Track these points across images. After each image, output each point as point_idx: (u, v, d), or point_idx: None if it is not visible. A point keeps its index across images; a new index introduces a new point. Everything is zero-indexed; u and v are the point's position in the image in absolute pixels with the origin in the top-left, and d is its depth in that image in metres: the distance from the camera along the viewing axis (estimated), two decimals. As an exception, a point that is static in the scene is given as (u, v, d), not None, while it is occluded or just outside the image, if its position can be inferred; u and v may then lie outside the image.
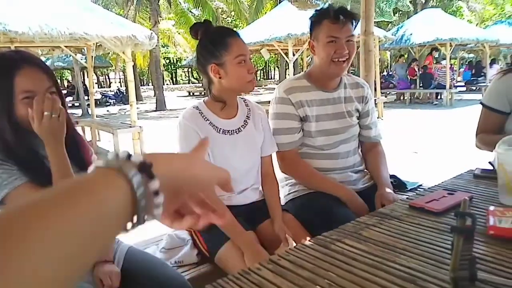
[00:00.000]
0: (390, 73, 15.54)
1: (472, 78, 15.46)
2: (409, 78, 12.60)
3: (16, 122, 1.06)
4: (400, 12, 19.94)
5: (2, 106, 1.04)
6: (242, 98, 1.58)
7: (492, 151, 1.44)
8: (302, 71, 1.87)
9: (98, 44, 6.66)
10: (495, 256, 0.80)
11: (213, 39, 1.39)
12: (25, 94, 1.04)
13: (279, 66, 25.30)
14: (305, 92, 1.64)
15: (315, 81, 1.66)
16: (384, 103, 9.81)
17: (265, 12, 16.29)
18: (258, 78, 41.07)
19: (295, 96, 1.63)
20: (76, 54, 8.60)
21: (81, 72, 16.75)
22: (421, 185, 2.01)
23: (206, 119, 1.44)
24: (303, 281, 0.76)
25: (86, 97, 13.63)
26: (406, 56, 14.62)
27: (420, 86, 12.35)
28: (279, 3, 12.24)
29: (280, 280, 0.76)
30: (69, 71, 18.99)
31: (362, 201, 1.56)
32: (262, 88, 29.37)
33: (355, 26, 1.60)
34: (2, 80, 1.03)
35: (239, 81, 1.39)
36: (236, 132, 1.48)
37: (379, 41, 9.99)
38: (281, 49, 9.82)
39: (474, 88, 14.99)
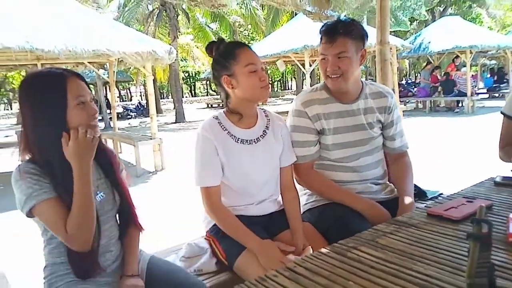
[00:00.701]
0: (409, 81, 15.33)
1: (494, 85, 15.10)
2: (431, 86, 12.40)
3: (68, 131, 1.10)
4: (418, 21, 19.75)
5: (57, 114, 1.08)
6: (262, 109, 1.60)
7: None
8: (319, 81, 1.85)
9: (119, 60, 6.87)
10: (515, 263, 0.79)
11: (223, 52, 1.45)
12: (80, 98, 1.10)
13: (296, 77, 25.37)
14: (323, 105, 1.63)
15: (333, 92, 1.65)
16: (403, 111, 9.68)
17: (281, 25, 16.46)
18: (276, 89, 41.22)
19: (312, 109, 1.62)
20: (98, 70, 8.89)
21: (104, 87, 17.25)
22: (441, 194, 1.98)
23: (224, 129, 1.47)
24: None
25: (108, 111, 14.02)
26: (425, 64, 14.45)
27: (442, 94, 12.12)
28: (295, 15, 12.35)
29: (296, 287, 0.77)
30: (92, 86, 19.64)
31: (382, 209, 1.53)
32: (280, 98, 29.46)
33: (366, 38, 1.57)
34: (56, 89, 1.09)
35: (251, 89, 1.41)
36: (254, 141, 1.49)
37: (396, 50, 9.91)
38: (298, 60, 9.87)
39: (496, 95, 14.63)
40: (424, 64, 14.51)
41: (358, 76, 1.66)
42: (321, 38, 1.58)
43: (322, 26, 1.58)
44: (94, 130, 1.14)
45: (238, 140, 1.47)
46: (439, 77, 12.21)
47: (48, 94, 1.08)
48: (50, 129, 1.08)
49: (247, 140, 1.48)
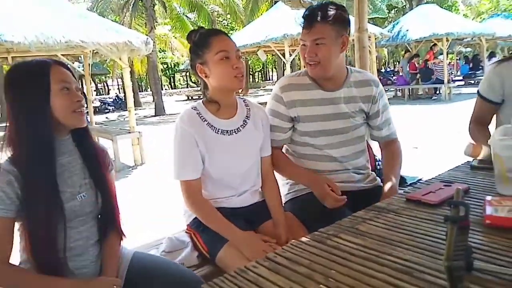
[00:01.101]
0: (388, 70, 15.54)
1: (470, 72, 15.46)
2: (409, 74, 12.59)
3: (51, 122, 1.07)
4: (396, 9, 19.98)
5: (41, 100, 1.06)
6: (241, 98, 1.57)
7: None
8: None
9: (94, 52, 6.67)
10: (492, 245, 0.80)
11: (198, 40, 1.41)
12: (63, 84, 1.08)
13: (276, 67, 25.35)
14: (303, 91, 1.60)
15: (315, 78, 1.61)
16: (382, 100, 9.81)
17: (261, 14, 16.35)
18: (256, 79, 41.11)
19: (289, 95, 1.59)
20: (73, 62, 8.64)
21: (79, 80, 16.81)
22: (420, 180, 2.00)
23: (204, 119, 1.43)
24: (299, 277, 0.75)
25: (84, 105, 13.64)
26: (403, 52, 14.66)
27: (421, 81, 12.33)
28: (274, 3, 12.28)
29: (276, 277, 0.76)
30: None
31: (321, 180, 1.49)
32: (261, 89, 29.41)
33: (348, 23, 1.53)
34: (38, 74, 1.07)
35: (222, 77, 1.38)
36: (235, 132, 1.46)
37: (375, 38, 10.00)
38: (278, 50, 9.85)
39: (472, 82, 14.99)
40: (403, 52, 14.71)
41: (342, 63, 1.60)
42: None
43: (304, 12, 1.55)
44: (81, 118, 1.13)
45: (218, 130, 1.44)
46: (417, 65, 12.41)
47: (31, 80, 1.06)
48: (33, 116, 1.05)
49: (227, 131, 1.45)
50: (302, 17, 1.52)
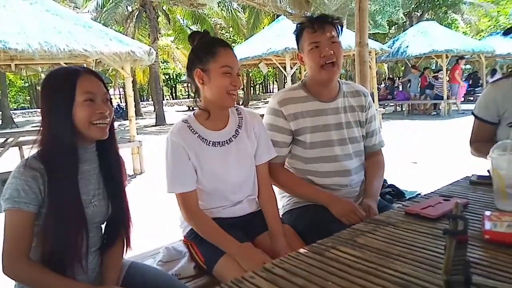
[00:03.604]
0: (388, 85, 15.64)
1: (469, 89, 15.55)
2: (419, 88, 12.59)
3: (73, 130, 1.09)
4: (396, 25, 20.20)
5: (65, 107, 1.08)
6: (234, 107, 1.54)
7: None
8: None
9: (97, 61, 6.71)
10: (491, 260, 0.79)
11: (204, 46, 1.41)
12: (87, 95, 1.10)
13: (277, 80, 25.50)
14: (301, 103, 1.60)
15: (311, 91, 1.63)
16: (382, 114, 9.86)
17: (263, 27, 16.53)
18: (257, 92, 41.33)
19: (288, 108, 1.60)
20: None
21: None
22: (419, 194, 2.00)
23: (194, 132, 1.42)
24: (297, 288, 0.75)
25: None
26: (403, 68, 14.77)
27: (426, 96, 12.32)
28: (276, 18, 12.43)
29: (273, 288, 0.76)
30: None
31: (345, 199, 1.52)
32: (261, 101, 29.54)
33: (341, 31, 1.59)
34: (65, 83, 1.10)
35: (219, 90, 1.37)
36: (227, 143, 1.45)
37: (375, 54, 10.09)
38: (279, 63, 9.92)
39: (471, 98, 15.07)
40: (403, 68, 14.82)
41: None
42: (297, 36, 1.59)
43: (303, 22, 1.57)
44: (101, 130, 1.13)
45: (209, 143, 1.43)
46: (428, 79, 12.38)
47: (59, 88, 1.10)
48: (57, 123, 1.09)
49: (218, 142, 1.44)
50: (310, 21, 1.55)
